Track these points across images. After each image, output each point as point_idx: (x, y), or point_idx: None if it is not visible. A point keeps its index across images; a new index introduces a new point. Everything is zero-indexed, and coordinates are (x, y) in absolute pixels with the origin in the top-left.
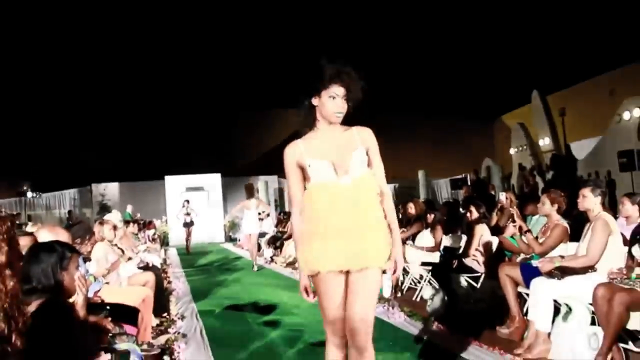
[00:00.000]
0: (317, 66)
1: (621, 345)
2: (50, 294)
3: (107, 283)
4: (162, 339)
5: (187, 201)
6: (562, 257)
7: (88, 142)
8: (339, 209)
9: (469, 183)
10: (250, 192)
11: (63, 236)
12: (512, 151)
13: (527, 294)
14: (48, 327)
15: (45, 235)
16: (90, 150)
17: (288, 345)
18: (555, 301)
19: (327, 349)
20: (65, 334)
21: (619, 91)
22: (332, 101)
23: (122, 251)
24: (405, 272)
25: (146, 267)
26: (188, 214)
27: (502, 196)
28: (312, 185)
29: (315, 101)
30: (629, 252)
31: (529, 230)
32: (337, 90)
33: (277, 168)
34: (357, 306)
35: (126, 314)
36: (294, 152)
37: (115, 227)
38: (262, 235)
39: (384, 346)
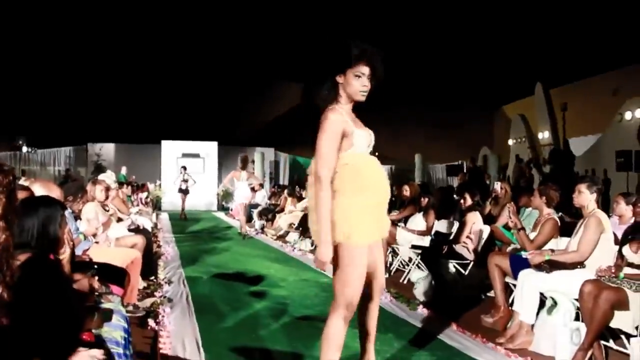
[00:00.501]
0: (344, 45)
1: (602, 342)
2: (40, 249)
3: (96, 242)
4: (147, 302)
5: (185, 167)
6: (553, 250)
7: (86, 101)
8: (382, 179)
9: (465, 170)
10: (244, 164)
11: (55, 192)
12: (510, 142)
13: (514, 285)
14: (37, 281)
15: (38, 190)
16: (87, 109)
17: (273, 317)
18: (541, 294)
19: (337, 324)
20: (53, 288)
21: (622, 91)
22: (358, 80)
23: (113, 212)
24: (395, 253)
25: (137, 230)
26: (185, 181)
27: (497, 186)
28: (358, 155)
29: (340, 79)
30: (619, 252)
31: (522, 229)
32: (363, 70)
33: (274, 140)
34: (381, 270)
35: (113, 275)
36: (341, 119)
37: (108, 188)
38: (254, 206)
39: None
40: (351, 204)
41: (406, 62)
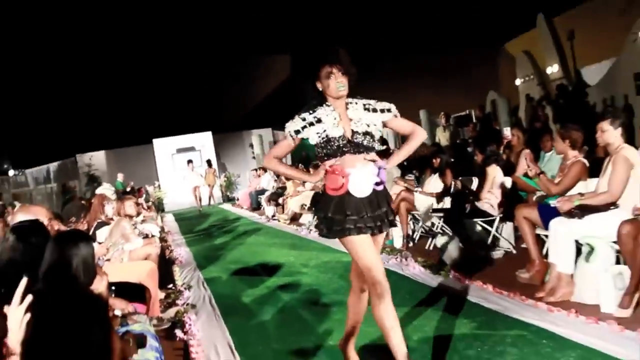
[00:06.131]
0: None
1: None
2: (83, 284)
3: (107, 260)
4: (171, 312)
5: (191, 161)
6: (582, 194)
7: (68, 112)
8: None
9: (474, 119)
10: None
11: (41, 213)
12: (518, 82)
13: (547, 236)
14: (83, 317)
15: (21, 217)
16: (70, 120)
17: (302, 307)
18: (576, 241)
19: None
20: (98, 323)
21: (630, 10)
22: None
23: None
24: (416, 220)
25: (145, 238)
26: (197, 175)
27: (507, 131)
28: None
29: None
30: None
31: (542, 173)
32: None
33: (270, 120)
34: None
35: (132, 292)
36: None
37: (137, 203)
38: (261, 192)
39: (400, 300)
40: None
41: (399, 11)
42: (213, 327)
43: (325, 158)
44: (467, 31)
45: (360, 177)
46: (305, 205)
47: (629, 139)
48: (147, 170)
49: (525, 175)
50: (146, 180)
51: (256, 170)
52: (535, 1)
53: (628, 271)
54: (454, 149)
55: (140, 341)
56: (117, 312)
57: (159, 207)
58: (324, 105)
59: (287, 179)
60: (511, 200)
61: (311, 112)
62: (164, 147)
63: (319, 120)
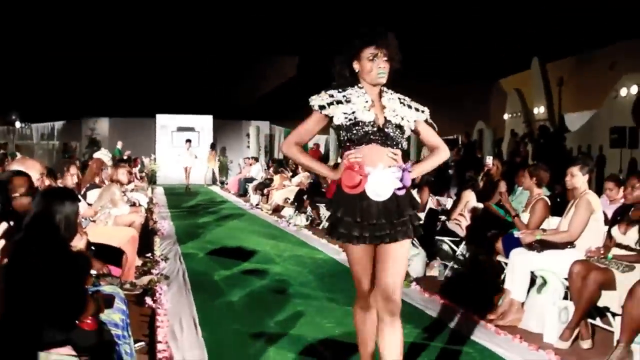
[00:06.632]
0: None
1: (589, 320)
2: (62, 239)
3: (93, 221)
4: (145, 280)
5: (189, 140)
6: (544, 230)
7: (80, 75)
8: None
9: (460, 144)
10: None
11: (35, 168)
12: (506, 116)
13: (506, 263)
14: (56, 268)
15: (16, 168)
16: (82, 83)
17: (269, 295)
18: (532, 273)
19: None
20: (68, 275)
21: (619, 66)
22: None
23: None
24: None
25: (132, 206)
26: (191, 155)
27: (489, 160)
28: None
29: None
30: (608, 232)
31: (517, 215)
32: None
33: (269, 114)
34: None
35: (111, 255)
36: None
37: (130, 172)
38: (250, 180)
39: None
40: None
41: (402, 36)
42: (182, 300)
43: (348, 144)
44: (467, 63)
45: (380, 178)
46: (289, 199)
47: (599, 185)
48: (146, 142)
49: (497, 204)
50: (144, 151)
51: (249, 158)
52: (533, 45)
53: (573, 307)
54: (436, 168)
55: (108, 302)
56: (92, 272)
57: (152, 179)
58: (356, 87)
59: (276, 172)
60: (479, 225)
61: (340, 90)
62: (165, 123)
63: (348, 100)
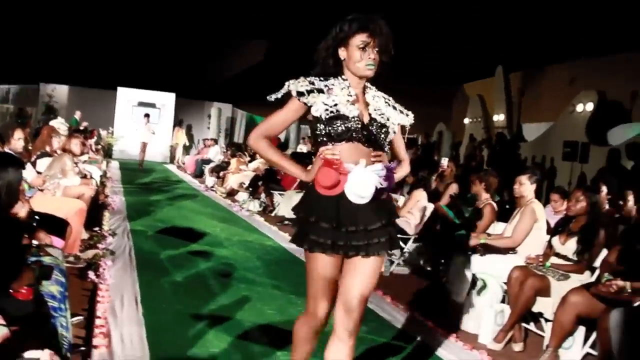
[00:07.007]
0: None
1: (523, 324)
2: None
3: (41, 190)
4: (89, 254)
5: (148, 115)
6: (489, 235)
7: (41, 39)
8: None
9: (418, 144)
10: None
11: None
12: (466, 121)
13: (450, 264)
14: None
15: None
16: (41, 46)
17: (213, 278)
18: (473, 275)
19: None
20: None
21: (578, 82)
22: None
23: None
24: None
25: (83, 178)
26: (149, 131)
27: (444, 162)
28: None
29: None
30: (549, 242)
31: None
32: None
33: (232, 96)
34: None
35: (55, 225)
36: None
37: (84, 143)
38: (207, 162)
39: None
40: None
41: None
42: (125, 276)
43: (325, 139)
44: (433, 66)
45: (362, 178)
46: (244, 184)
47: (548, 197)
48: (105, 115)
49: (448, 205)
50: (102, 124)
51: (208, 139)
52: (499, 54)
53: (509, 310)
54: None
55: (45, 272)
56: (34, 242)
57: (108, 153)
58: (339, 77)
59: (234, 155)
60: (428, 224)
61: (322, 79)
62: (126, 96)
63: (329, 90)
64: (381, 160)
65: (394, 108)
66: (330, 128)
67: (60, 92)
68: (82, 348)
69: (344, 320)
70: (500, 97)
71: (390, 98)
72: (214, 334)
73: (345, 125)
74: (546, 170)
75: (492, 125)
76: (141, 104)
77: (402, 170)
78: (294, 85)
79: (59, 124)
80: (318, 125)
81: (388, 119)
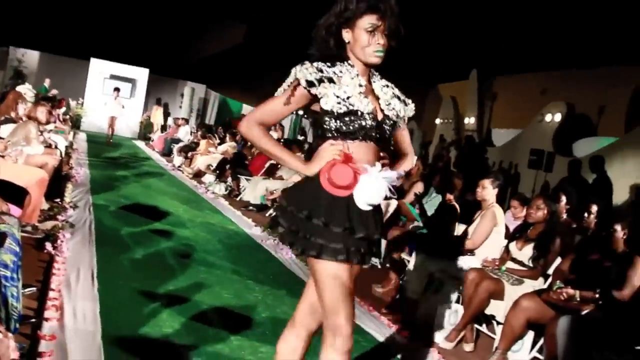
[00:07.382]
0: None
1: (475, 325)
2: None
3: (2, 157)
4: (48, 225)
5: (118, 89)
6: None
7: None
8: None
9: None
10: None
11: None
12: (437, 121)
13: (409, 260)
14: None
15: None
16: (13, 7)
17: (173, 258)
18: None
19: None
20: None
21: (549, 92)
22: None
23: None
24: None
25: (47, 147)
26: (119, 104)
27: None
28: None
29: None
30: (507, 246)
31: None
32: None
33: (207, 77)
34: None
35: (13, 193)
36: None
37: (50, 112)
38: (176, 141)
39: (264, 278)
40: None
41: None
42: (83, 250)
43: (335, 135)
44: (408, 63)
45: (375, 183)
46: (211, 166)
47: (509, 201)
48: (76, 85)
49: (411, 203)
50: (72, 94)
51: (179, 119)
52: (475, 57)
53: (462, 311)
54: None
55: None
56: None
57: (76, 124)
58: (346, 63)
59: (204, 137)
60: (390, 221)
61: (329, 65)
62: (99, 68)
63: (339, 79)
64: (387, 163)
65: (399, 98)
66: (342, 123)
67: (30, 57)
68: (33, 320)
69: (335, 340)
70: (472, 100)
71: (394, 86)
72: (168, 313)
73: (360, 122)
74: (511, 176)
75: (462, 127)
76: (114, 76)
77: (407, 164)
78: (302, 73)
79: (26, 89)
80: (326, 118)
81: (397, 115)
